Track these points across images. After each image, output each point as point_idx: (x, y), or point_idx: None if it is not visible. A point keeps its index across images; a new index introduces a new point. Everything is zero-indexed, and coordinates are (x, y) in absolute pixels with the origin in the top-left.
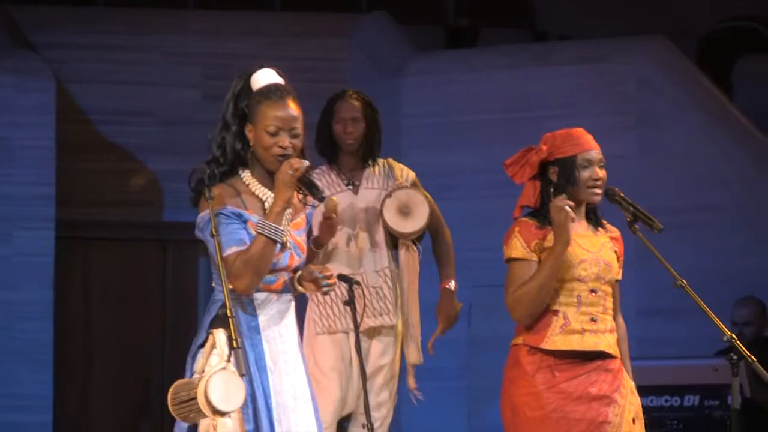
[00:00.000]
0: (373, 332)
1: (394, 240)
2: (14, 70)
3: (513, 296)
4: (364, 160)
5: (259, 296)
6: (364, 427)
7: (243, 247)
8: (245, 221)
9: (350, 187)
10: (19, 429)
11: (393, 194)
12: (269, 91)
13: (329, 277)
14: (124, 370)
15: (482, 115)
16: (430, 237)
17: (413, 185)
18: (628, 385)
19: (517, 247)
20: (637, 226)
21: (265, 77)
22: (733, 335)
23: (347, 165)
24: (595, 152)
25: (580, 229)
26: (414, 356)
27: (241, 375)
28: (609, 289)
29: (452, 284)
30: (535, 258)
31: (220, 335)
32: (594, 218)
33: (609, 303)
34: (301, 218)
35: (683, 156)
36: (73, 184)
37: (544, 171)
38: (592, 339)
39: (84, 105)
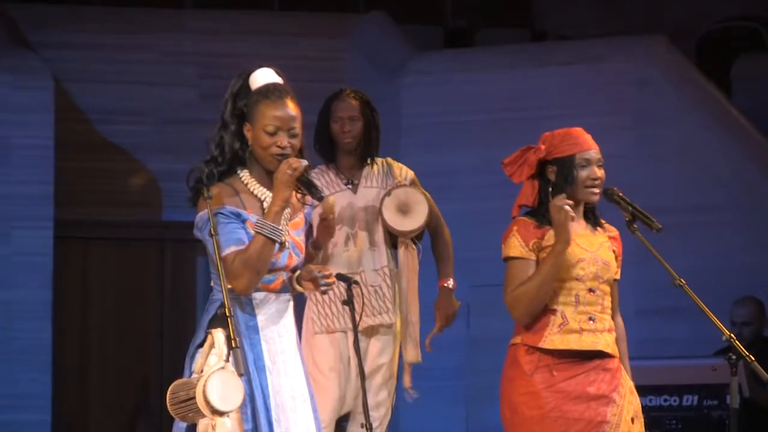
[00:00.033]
0: (372, 331)
1: (393, 239)
2: (12, 69)
3: (512, 295)
4: (362, 159)
5: (258, 296)
6: (362, 427)
7: (242, 247)
8: (244, 221)
9: (349, 186)
10: (18, 429)
11: (392, 193)
12: (268, 90)
13: (328, 276)
14: (122, 370)
15: (481, 115)
16: (429, 236)
17: (412, 184)
18: (627, 384)
19: (516, 246)
20: (635, 226)
21: (263, 76)
22: (732, 335)
23: (346, 164)
24: (594, 152)
25: (578, 228)
26: (412, 355)
27: (240, 375)
28: (607, 289)
29: (450, 282)
30: (533, 257)
31: (218, 335)
32: (592, 218)
33: (607, 302)
34: (299, 218)
35: (682, 156)
36: (71, 183)
37: (542, 170)
38: (590, 338)
39: (82, 104)
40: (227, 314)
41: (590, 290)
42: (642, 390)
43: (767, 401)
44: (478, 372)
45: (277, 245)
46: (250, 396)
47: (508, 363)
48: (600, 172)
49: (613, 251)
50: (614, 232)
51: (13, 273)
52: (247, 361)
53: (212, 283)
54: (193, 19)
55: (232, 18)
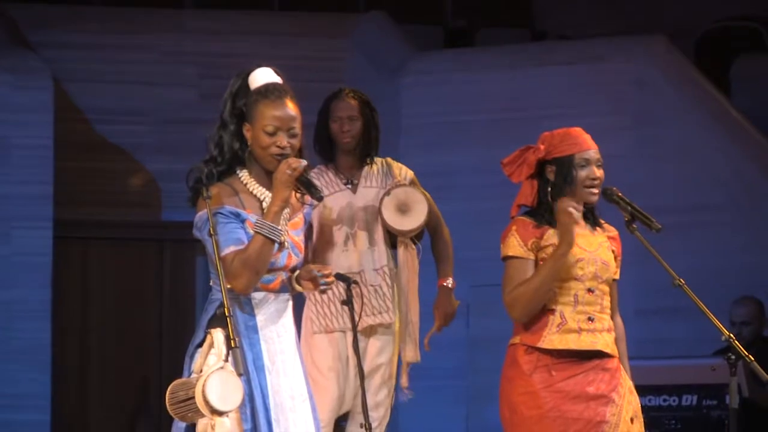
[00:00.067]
0: (371, 331)
1: (392, 238)
2: (12, 69)
3: (511, 295)
4: (362, 158)
5: (257, 295)
6: (361, 427)
7: (241, 247)
8: (243, 221)
9: (349, 186)
10: (18, 429)
11: (391, 192)
12: (267, 90)
13: (327, 276)
14: (122, 370)
15: (481, 115)
16: (429, 236)
17: (412, 184)
18: (626, 384)
19: (514, 245)
20: (635, 226)
21: (263, 76)
22: (732, 335)
23: (345, 164)
24: (593, 152)
25: (577, 228)
26: (411, 355)
27: (239, 374)
28: (606, 289)
29: (450, 282)
30: (532, 256)
31: (218, 335)
32: (591, 218)
33: (606, 302)
34: (298, 218)
35: (682, 156)
36: (71, 183)
37: (541, 170)
38: (589, 338)
39: (82, 104)
40: (226, 314)
41: (589, 290)
42: (641, 390)
43: (766, 401)
44: (478, 372)
45: (276, 245)
46: (249, 396)
47: (507, 363)
48: (599, 172)
49: (613, 251)
50: (613, 232)
51: (12, 273)
52: (246, 361)
53: (211, 283)
54: (193, 19)
55: (232, 18)
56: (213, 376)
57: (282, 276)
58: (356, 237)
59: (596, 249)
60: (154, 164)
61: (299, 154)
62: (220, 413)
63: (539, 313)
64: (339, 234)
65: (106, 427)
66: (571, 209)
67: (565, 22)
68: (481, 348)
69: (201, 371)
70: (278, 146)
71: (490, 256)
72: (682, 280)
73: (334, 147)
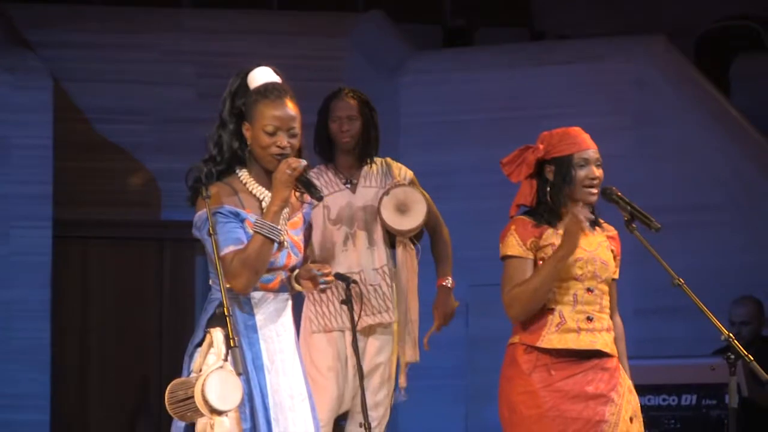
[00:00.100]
0: (370, 330)
1: (392, 238)
2: (11, 69)
3: (510, 294)
4: (361, 158)
5: (256, 295)
6: (361, 426)
7: (240, 246)
8: (242, 220)
9: (348, 185)
10: (17, 428)
11: (390, 192)
12: (267, 90)
13: (327, 275)
14: (121, 369)
15: (480, 115)
16: (428, 236)
17: (411, 184)
18: (626, 383)
19: (513, 244)
20: (634, 225)
21: (262, 75)
22: (731, 334)
23: (345, 164)
24: (592, 151)
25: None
26: (410, 354)
27: (239, 374)
28: (606, 288)
29: (449, 281)
30: (530, 256)
31: (217, 334)
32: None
33: (606, 302)
34: (298, 217)
35: (681, 155)
36: (70, 183)
37: (540, 170)
38: (588, 338)
39: (81, 103)
40: (226, 313)
41: (588, 290)
42: (641, 389)
43: (766, 401)
44: (477, 371)
45: (275, 245)
46: (248, 395)
47: (506, 362)
48: (598, 172)
49: (612, 251)
50: (613, 231)
51: (12, 273)
52: (245, 360)
53: (211, 283)
54: (191, 19)
55: (231, 17)
56: (212, 375)
57: (281, 275)
58: (356, 237)
59: (595, 248)
60: (153, 163)
61: (299, 153)
62: (220, 412)
63: (538, 313)
64: (338, 234)
65: (106, 426)
66: (582, 218)
67: (564, 21)
68: (480, 347)
69: (200, 370)
70: (278, 146)
71: (489, 256)
72: (681, 279)
73: (334, 147)
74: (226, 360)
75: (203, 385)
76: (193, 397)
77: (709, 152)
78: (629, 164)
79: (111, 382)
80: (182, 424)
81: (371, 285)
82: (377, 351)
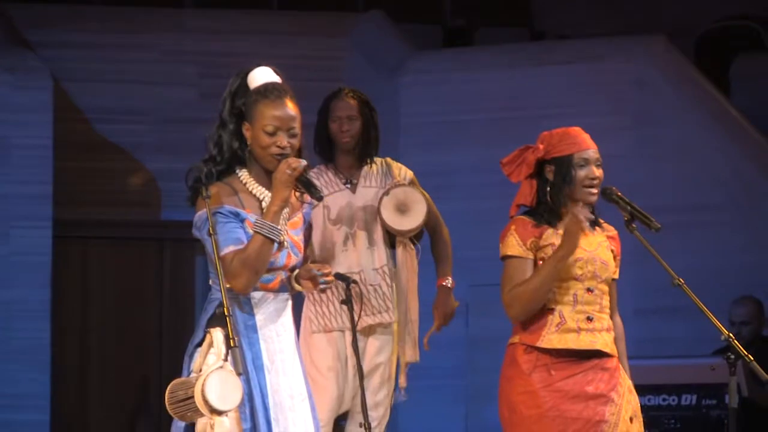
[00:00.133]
0: (370, 330)
1: (391, 238)
2: (11, 69)
3: (510, 294)
4: (361, 158)
5: (256, 295)
6: (361, 426)
7: (240, 246)
8: (242, 220)
9: (348, 185)
10: (17, 428)
11: (390, 192)
12: (267, 90)
13: (327, 275)
14: (121, 369)
15: (480, 115)
16: (428, 236)
17: (411, 184)
18: (626, 383)
19: (513, 244)
20: (634, 225)
21: (262, 75)
22: (731, 334)
23: (345, 164)
24: (592, 151)
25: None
26: (410, 354)
27: (239, 374)
28: (605, 288)
29: (449, 281)
30: (530, 256)
31: (217, 334)
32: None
33: (606, 302)
34: (298, 217)
35: (681, 155)
36: (70, 183)
37: (540, 170)
38: (588, 338)
39: (81, 103)
40: (226, 313)
41: (588, 290)
42: (641, 389)
43: (766, 401)
44: (477, 371)
45: (275, 245)
46: (248, 395)
47: (506, 362)
48: (598, 172)
49: (612, 251)
50: (613, 231)
51: (12, 273)
52: (245, 360)
53: (211, 283)
54: (192, 19)
55: (232, 17)
56: (212, 375)
57: (281, 275)
58: (356, 237)
59: (595, 249)
60: (153, 163)
61: (298, 153)
62: (220, 412)
63: (538, 313)
64: (338, 234)
65: (106, 426)
66: (582, 218)
67: (564, 21)
68: (480, 347)
69: (200, 370)
70: (278, 146)
71: (489, 256)
72: (681, 279)
73: (334, 147)
74: (226, 360)
75: (203, 385)
76: (193, 397)
77: (709, 152)
78: (629, 164)
79: (111, 382)
80: (182, 424)
81: (371, 285)
82: (377, 351)
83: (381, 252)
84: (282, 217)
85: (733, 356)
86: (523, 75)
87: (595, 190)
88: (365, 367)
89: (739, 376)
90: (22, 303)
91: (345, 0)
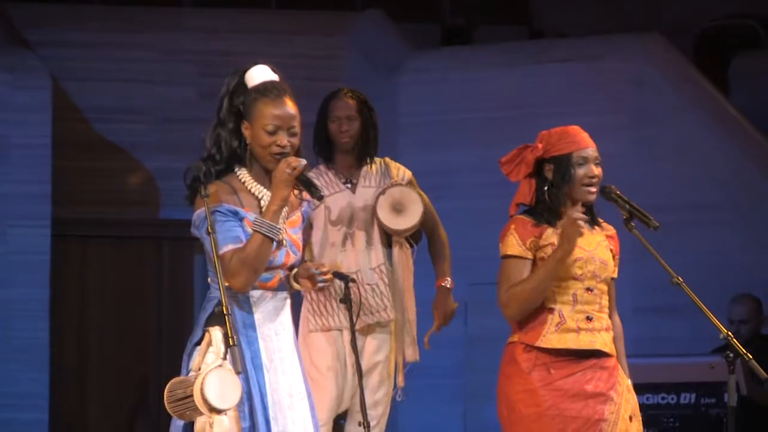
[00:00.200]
0: (368, 329)
1: (388, 238)
2: (10, 68)
3: (507, 294)
4: (360, 158)
5: (255, 293)
6: (360, 425)
7: (239, 245)
8: (241, 219)
9: (348, 185)
10: (16, 428)
11: (387, 192)
12: (266, 89)
13: (325, 273)
14: (120, 368)
15: (478, 113)
16: (426, 237)
17: (409, 184)
18: (624, 382)
19: (513, 244)
20: (633, 224)
21: (260, 74)
22: (730, 333)
23: (344, 164)
24: (591, 150)
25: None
26: (410, 354)
27: (237, 372)
28: (605, 288)
29: (448, 282)
30: (530, 255)
31: (216, 333)
32: (590, 216)
33: (605, 301)
34: (296, 216)
35: (680, 154)
36: (69, 182)
37: (539, 169)
38: (588, 337)
39: (80, 103)
40: (225, 312)
41: (588, 289)
42: (639, 388)
43: (765, 399)
44: (476, 370)
45: (274, 243)
46: (247, 394)
47: (505, 361)
48: (597, 170)
49: (611, 250)
50: (611, 230)
51: (11, 272)
52: (244, 359)
53: (210, 281)
54: (191, 18)
55: (231, 16)
56: (211, 374)
57: (280, 274)
58: (355, 237)
59: (595, 248)
60: (153, 162)
61: (297, 153)
62: (219, 411)
63: (538, 312)
64: (338, 234)
65: (105, 425)
66: (579, 221)
67: (563, 20)
68: (479, 346)
69: (199, 369)
70: (278, 145)
71: (488, 255)
72: (680, 278)
73: (333, 147)
74: (225, 359)
75: (202, 383)
76: (192, 395)
77: (708, 151)
78: (628, 163)
79: (110, 381)
80: (181, 422)
81: (368, 284)
82: (375, 350)
83: (378, 251)
84: (281, 215)
85: (732, 355)
86: (522, 74)
87: (594, 189)
88: (364, 366)
89: (738, 374)
90: (21, 302)
91: None
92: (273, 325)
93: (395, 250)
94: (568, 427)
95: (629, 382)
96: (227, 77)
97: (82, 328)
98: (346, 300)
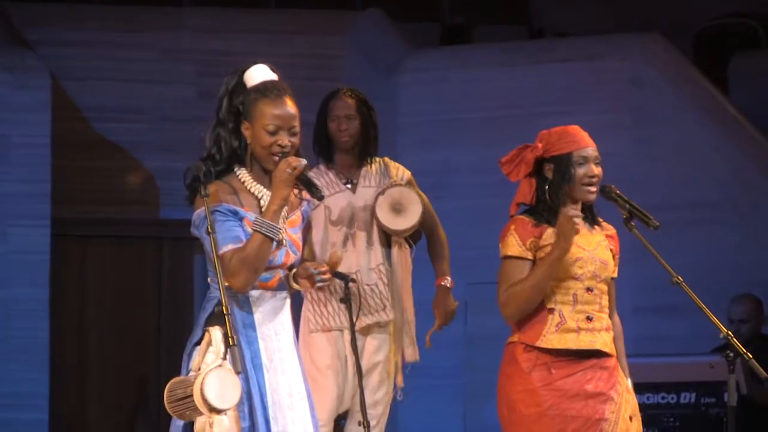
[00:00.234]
0: (368, 330)
1: (387, 238)
2: (10, 68)
3: (505, 294)
4: (360, 158)
5: (254, 293)
6: (360, 425)
7: (239, 245)
8: (241, 219)
9: (348, 185)
10: (16, 427)
11: (386, 192)
12: (266, 88)
13: (323, 273)
14: (120, 368)
15: (478, 113)
16: (425, 237)
17: (408, 184)
18: (624, 383)
19: (513, 245)
20: (633, 224)
21: (259, 74)
22: (730, 332)
23: (344, 163)
24: (591, 149)
25: (579, 228)
26: (410, 354)
27: (237, 372)
28: (605, 288)
29: (448, 281)
30: (530, 256)
31: (216, 332)
32: (590, 216)
33: (605, 301)
34: (296, 215)
35: (679, 154)
36: (69, 181)
37: (539, 168)
38: (588, 337)
39: (80, 102)
40: (225, 312)
41: (588, 289)
42: (639, 387)
43: (765, 399)
44: (476, 370)
45: (274, 243)
46: (247, 394)
47: (505, 360)
48: (597, 170)
49: (611, 250)
50: (611, 230)
51: (10, 272)
52: (244, 359)
53: (209, 281)
54: (191, 17)
55: (230, 16)
56: (211, 374)
57: (279, 274)
58: (355, 237)
59: (595, 248)
60: (152, 162)
61: (297, 153)
62: (218, 411)
63: (538, 312)
64: (338, 234)
65: (105, 425)
66: (575, 218)
67: (563, 19)
68: (479, 346)
69: (199, 369)
70: (279, 145)
71: (488, 255)
72: (679, 277)
73: (333, 147)
74: (224, 358)
75: (202, 383)
76: (192, 395)
77: (708, 150)
78: (628, 163)
79: (110, 381)
80: (181, 422)
81: (367, 285)
82: (376, 349)
83: (377, 252)
84: (281, 215)
85: (732, 354)
86: (521, 73)
87: (594, 188)
88: (364, 366)
89: (738, 374)
90: (21, 302)
91: None
92: (273, 325)
93: (394, 250)
94: (568, 426)
95: (629, 383)
96: (226, 77)
97: (82, 328)
98: (346, 300)
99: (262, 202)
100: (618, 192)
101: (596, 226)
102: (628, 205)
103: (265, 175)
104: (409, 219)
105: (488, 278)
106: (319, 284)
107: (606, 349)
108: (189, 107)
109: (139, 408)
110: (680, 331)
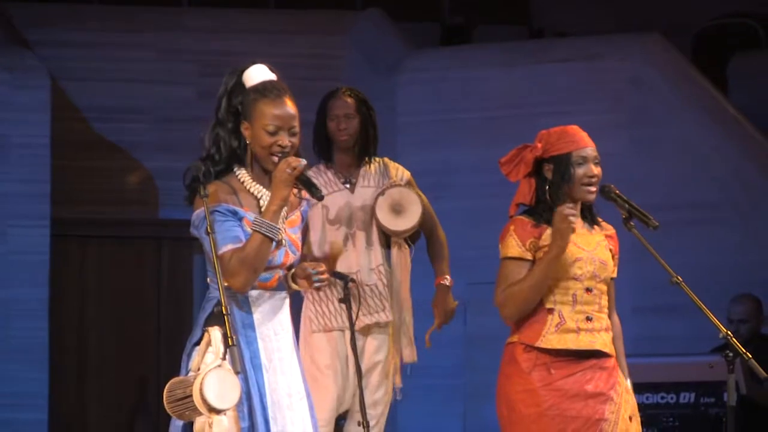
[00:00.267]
0: (368, 330)
1: (387, 238)
2: (10, 68)
3: (504, 294)
4: (360, 157)
5: (254, 293)
6: (359, 425)
7: (239, 245)
8: (241, 219)
9: (347, 185)
10: (16, 427)
11: (386, 192)
12: (265, 88)
13: (321, 273)
14: (120, 368)
15: (477, 113)
16: (424, 237)
17: (408, 184)
18: (623, 383)
19: (513, 245)
20: (632, 224)
21: (257, 74)
22: (729, 332)
23: (343, 163)
24: (590, 149)
25: (575, 227)
26: (408, 354)
27: (237, 372)
28: (604, 288)
29: (448, 279)
30: (529, 256)
31: (215, 333)
32: (589, 216)
33: (604, 301)
34: (296, 215)
35: (679, 153)
36: (68, 181)
37: (539, 168)
38: (588, 338)
39: (79, 102)
40: (224, 312)
41: (587, 289)
42: (639, 387)
43: (764, 398)
44: (476, 370)
45: (274, 243)
46: (246, 394)
47: (505, 360)
48: (597, 170)
49: (610, 250)
50: (611, 230)
51: (10, 272)
52: (243, 359)
53: (209, 281)
54: (191, 17)
55: (230, 16)
56: (210, 374)
57: (279, 274)
58: (355, 237)
59: (594, 248)
60: (152, 162)
61: (296, 153)
62: (218, 411)
63: (538, 313)
64: (337, 234)
65: (105, 425)
66: (570, 217)
67: (563, 19)
68: (478, 346)
69: (198, 369)
70: (279, 145)
71: (487, 255)
72: (679, 277)
73: (332, 146)
74: (224, 359)
75: (201, 383)
76: (191, 395)
77: (707, 150)
78: (627, 162)
79: (109, 381)
80: (180, 423)
81: (367, 285)
82: (375, 350)
83: (377, 252)
84: (280, 215)
85: (731, 354)
86: (521, 73)
87: (593, 188)
88: (364, 366)
89: (737, 373)
90: (21, 302)
91: None
92: (272, 325)
93: (394, 250)
94: (568, 427)
95: (628, 383)
96: (225, 77)
97: (82, 327)
98: (345, 300)
99: (261, 202)
100: (617, 192)
101: (596, 226)
102: (627, 205)
103: (265, 175)
104: (409, 220)
105: (488, 278)
106: (316, 284)
107: (605, 350)
108: (189, 107)
109: (139, 408)
110: (680, 331)
